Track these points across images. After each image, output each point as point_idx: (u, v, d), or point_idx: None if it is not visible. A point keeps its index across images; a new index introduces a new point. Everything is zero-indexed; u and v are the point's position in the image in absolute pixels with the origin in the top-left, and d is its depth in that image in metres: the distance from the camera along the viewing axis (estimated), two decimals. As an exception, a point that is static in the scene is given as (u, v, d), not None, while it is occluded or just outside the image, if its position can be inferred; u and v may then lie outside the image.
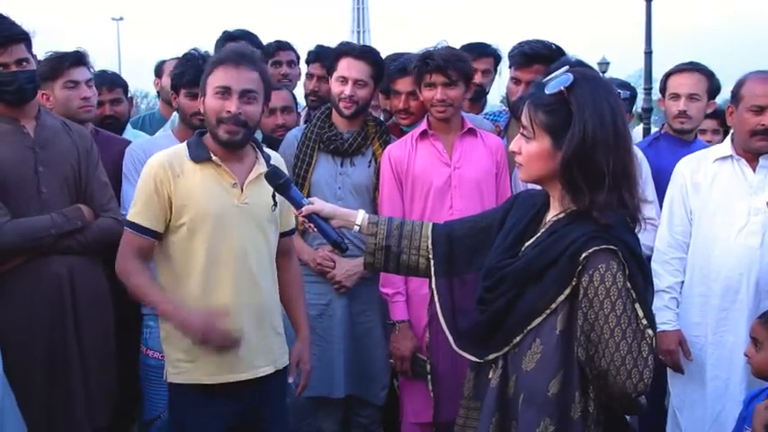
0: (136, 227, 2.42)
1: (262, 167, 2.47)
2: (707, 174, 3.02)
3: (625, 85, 4.16)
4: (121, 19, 43.15)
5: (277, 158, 2.62)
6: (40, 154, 2.69)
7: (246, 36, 3.88)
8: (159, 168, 2.40)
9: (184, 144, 2.49)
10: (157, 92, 4.34)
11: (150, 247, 2.45)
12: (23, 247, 2.59)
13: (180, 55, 3.24)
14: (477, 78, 3.78)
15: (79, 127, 2.95)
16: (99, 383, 2.77)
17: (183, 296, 2.43)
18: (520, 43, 3.38)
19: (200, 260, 2.41)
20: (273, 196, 2.38)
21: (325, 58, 3.83)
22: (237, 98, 2.38)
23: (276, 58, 4.25)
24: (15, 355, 2.54)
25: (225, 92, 2.39)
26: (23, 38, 2.71)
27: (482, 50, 3.92)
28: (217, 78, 2.41)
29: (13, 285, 2.61)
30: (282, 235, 2.64)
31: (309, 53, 4.18)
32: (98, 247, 2.75)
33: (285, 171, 2.62)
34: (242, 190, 2.44)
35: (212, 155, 2.43)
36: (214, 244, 2.41)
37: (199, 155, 2.43)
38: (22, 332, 2.60)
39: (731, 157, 2.99)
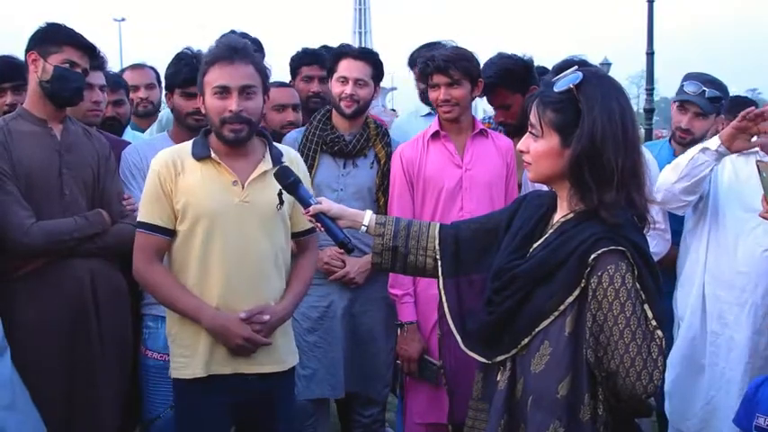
0: (147, 226, 2.41)
1: (267, 165, 2.44)
2: (725, 167, 2.96)
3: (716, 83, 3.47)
4: (123, 20, 43.25)
5: (289, 154, 2.58)
6: (65, 157, 2.71)
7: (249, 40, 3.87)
8: (163, 167, 2.40)
9: (190, 142, 2.49)
10: None
11: (164, 247, 2.43)
12: (48, 249, 2.60)
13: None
14: None
15: (98, 134, 2.97)
16: (118, 384, 2.79)
17: None
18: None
19: (197, 259, 2.39)
20: (279, 195, 2.36)
21: (321, 59, 3.83)
22: (237, 96, 2.36)
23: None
24: (37, 357, 2.56)
25: (223, 91, 2.36)
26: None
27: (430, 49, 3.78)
28: (213, 77, 2.38)
29: (36, 287, 2.62)
30: (297, 235, 2.60)
31: (303, 56, 4.11)
32: (115, 251, 2.77)
33: (303, 167, 2.61)
34: (243, 187, 2.41)
35: (212, 152, 2.41)
36: (212, 242, 2.38)
37: (200, 152, 2.42)
38: (43, 334, 2.60)
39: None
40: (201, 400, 2.42)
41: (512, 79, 3.29)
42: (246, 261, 2.41)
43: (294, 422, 2.77)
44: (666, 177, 2.90)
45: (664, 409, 3.14)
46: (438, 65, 2.98)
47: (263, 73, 2.47)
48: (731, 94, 3.56)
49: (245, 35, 3.88)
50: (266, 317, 2.41)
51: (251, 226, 2.42)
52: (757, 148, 2.78)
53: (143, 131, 3.92)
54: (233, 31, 3.79)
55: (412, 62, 3.96)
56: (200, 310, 2.38)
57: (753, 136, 2.69)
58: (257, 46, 3.92)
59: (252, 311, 2.39)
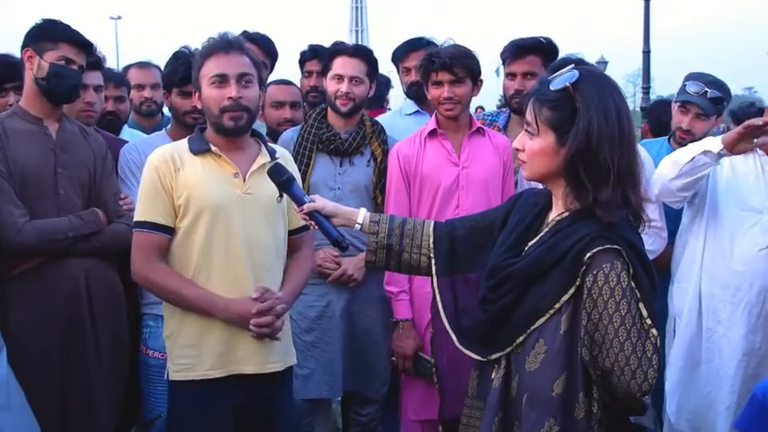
0: (147, 225, 2.36)
1: (265, 158, 2.44)
2: (722, 164, 2.96)
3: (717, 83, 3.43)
4: (120, 18, 43.16)
5: (283, 153, 2.59)
6: (61, 156, 2.70)
7: (262, 40, 3.88)
8: (162, 162, 2.38)
9: (186, 139, 2.48)
10: None
11: (165, 245, 2.38)
12: (41, 248, 2.59)
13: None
14: (414, 75, 3.73)
15: (95, 133, 2.96)
16: (114, 384, 2.79)
17: None
18: (511, 40, 3.37)
19: (200, 253, 2.37)
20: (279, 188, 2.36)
21: (321, 54, 3.82)
22: (235, 83, 2.36)
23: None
24: (32, 357, 2.56)
25: (222, 80, 2.37)
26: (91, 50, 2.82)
27: (415, 45, 3.82)
28: (210, 68, 2.38)
29: (31, 286, 2.62)
30: (294, 232, 2.58)
31: (307, 51, 4.15)
32: (111, 251, 2.77)
33: (294, 167, 2.60)
34: (244, 180, 2.41)
35: (212, 146, 2.40)
36: (216, 235, 2.37)
37: (198, 146, 2.41)
38: (38, 333, 2.60)
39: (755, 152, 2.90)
40: (202, 403, 2.39)
41: (548, 50, 3.30)
42: (251, 253, 2.40)
43: (294, 419, 2.76)
44: (664, 172, 2.90)
45: (661, 406, 3.15)
46: (444, 62, 2.97)
47: (258, 66, 2.49)
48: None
49: (257, 35, 3.89)
50: (279, 294, 2.40)
51: (254, 218, 2.41)
52: (756, 148, 2.79)
53: (145, 130, 3.91)
54: (245, 32, 3.80)
55: (395, 58, 3.96)
56: (212, 302, 2.35)
57: (755, 137, 2.70)
58: (269, 46, 3.93)
59: (261, 289, 2.37)
